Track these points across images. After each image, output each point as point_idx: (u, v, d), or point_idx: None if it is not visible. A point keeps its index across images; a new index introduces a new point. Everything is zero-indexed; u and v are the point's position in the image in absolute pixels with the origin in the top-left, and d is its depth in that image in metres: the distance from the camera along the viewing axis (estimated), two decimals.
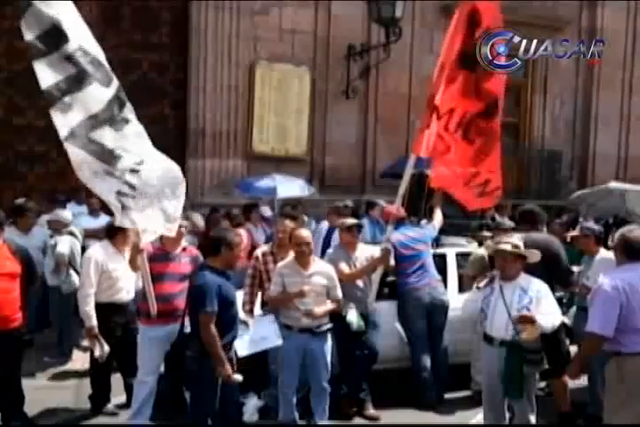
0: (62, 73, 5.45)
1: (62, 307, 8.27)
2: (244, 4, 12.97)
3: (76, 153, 5.49)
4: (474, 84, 6.71)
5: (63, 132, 5.45)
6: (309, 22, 13.63)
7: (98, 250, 6.72)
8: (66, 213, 8.78)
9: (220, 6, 12.82)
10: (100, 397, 6.84)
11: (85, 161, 5.52)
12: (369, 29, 13.76)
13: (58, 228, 8.53)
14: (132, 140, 5.77)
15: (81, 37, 5.57)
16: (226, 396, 5.40)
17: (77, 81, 5.50)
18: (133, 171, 5.69)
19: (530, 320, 5.18)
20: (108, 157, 5.59)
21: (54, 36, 5.42)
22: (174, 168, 5.99)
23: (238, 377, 5.29)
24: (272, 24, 13.37)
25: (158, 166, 5.88)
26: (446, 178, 6.98)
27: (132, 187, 5.70)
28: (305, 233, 6.25)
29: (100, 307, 6.50)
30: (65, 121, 5.46)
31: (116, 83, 5.76)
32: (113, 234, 6.69)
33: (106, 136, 5.61)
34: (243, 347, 5.87)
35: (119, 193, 5.67)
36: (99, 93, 5.61)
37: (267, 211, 11.04)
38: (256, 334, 5.95)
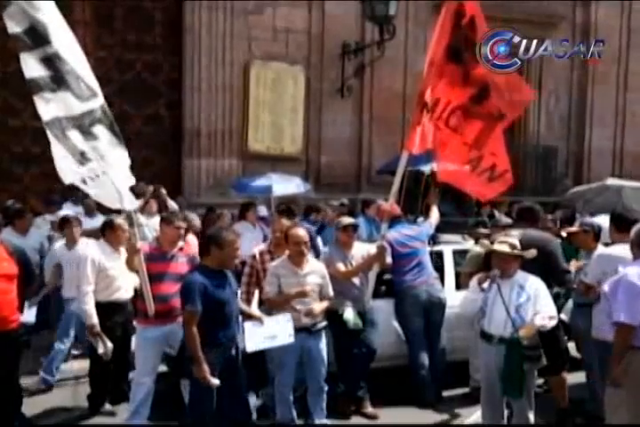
0: (44, 71, 5.60)
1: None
2: (238, 4, 12.96)
3: (52, 139, 5.68)
4: (461, 76, 6.71)
5: (45, 117, 5.65)
6: (303, 21, 13.64)
7: (94, 249, 6.76)
8: (68, 214, 8.86)
9: (214, 6, 12.82)
10: (98, 396, 6.85)
11: (58, 147, 5.70)
12: (363, 28, 13.80)
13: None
14: (104, 155, 5.86)
15: (62, 44, 5.66)
16: (225, 396, 5.40)
17: (55, 82, 5.64)
18: (103, 172, 5.85)
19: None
20: (78, 155, 5.75)
21: (39, 33, 5.56)
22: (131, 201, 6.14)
23: (215, 381, 5.22)
24: (266, 23, 13.38)
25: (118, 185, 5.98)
26: (453, 173, 6.98)
27: (97, 176, 5.86)
28: (302, 232, 6.25)
29: (98, 306, 6.52)
30: (46, 109, 5.63)
31: (96, 102, 5.87)
32: (103, 231, 6.78)
33: (79, 138, 5.74)
34: (253, 343, 5.80)
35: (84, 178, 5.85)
36: (72, 103, 5.74)
37: (263, 210, 11.05)
38: (268, 332, 5.89)
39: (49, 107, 5.61)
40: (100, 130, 5.86)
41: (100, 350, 6.44)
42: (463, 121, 6.76)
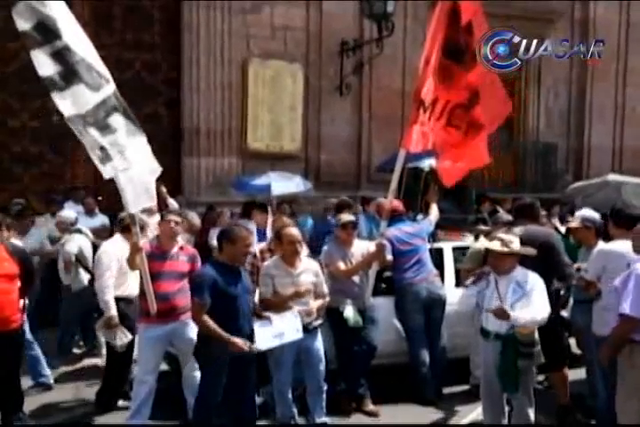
0: (55, 67, 5.56)
1: (70, 305, 8.33)
2: (236, 3, 12.95)
3: (77, 134, 5.65)
4: (459, 76, 6.73)
5: (65, 113, 5.60)
6: (301, 19, 13.62)
7: (117, 244, 6.82)
8: (68, 213, 9.05)
9: (212, 5, 12.81)
10: (108, 394, 6.85)
11: (83, 142, 5.69)
12: (361, 25, 13.78)
13: (63, 227, 8.73)
14: (123, 150, 5.83)
15: (71, 37, 5.63)
16: (232, 392, 5.43)
17: (65, 79, 5.59)
18: (125, 168, 5.81)
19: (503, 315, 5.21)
20: (100, 152, 5.70)
21: (48, 29, 5.52)
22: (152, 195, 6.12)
23: (254, 346, 5.37)
24: (264, 21, 13.37)
25: (139, 182, 5.95)
26: (452, 170, 7.02)
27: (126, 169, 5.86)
28: (295, 231, 6.27)
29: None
30: (64, 106, 5.60)
31: (109, 89, 5.82)
32: (126, 229, 6.75)
33: (97, 135, 5.71)
34: (263, 342, 5.75)
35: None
36: (86, 96, 5.68)
37: None
38: (275, 330, 5.87)
39: (65, 103, 5.59)
40: (116, 120, 5.81)
41: (118, 342, 6.46)
42: (464, 118, 6.81)
